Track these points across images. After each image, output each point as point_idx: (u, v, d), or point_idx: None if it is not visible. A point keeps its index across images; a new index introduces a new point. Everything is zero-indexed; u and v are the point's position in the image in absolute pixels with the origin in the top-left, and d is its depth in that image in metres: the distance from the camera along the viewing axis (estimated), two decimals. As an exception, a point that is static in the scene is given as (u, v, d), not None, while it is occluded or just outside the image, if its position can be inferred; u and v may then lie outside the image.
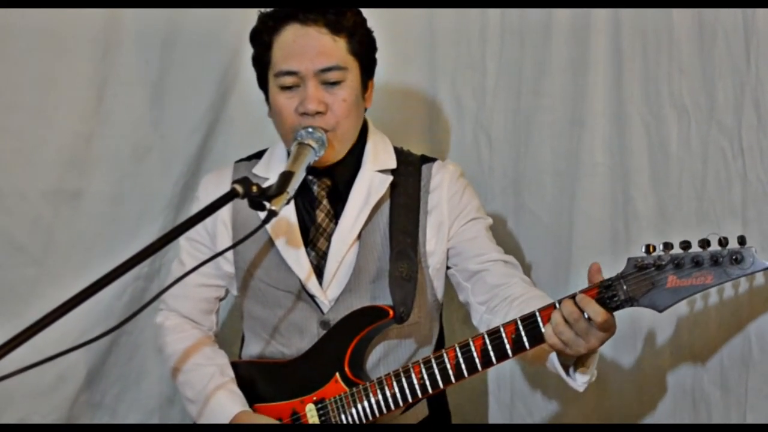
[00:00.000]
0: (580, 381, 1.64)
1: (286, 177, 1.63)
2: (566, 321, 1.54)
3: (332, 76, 1.77)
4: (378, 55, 1.90)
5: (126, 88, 2.22)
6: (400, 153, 1.93)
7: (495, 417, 2.36)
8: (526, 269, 2.24)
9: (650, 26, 1.88)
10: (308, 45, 1.76)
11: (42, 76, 2.14)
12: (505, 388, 2.31)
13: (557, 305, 1.57)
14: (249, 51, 2.25)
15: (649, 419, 2.00)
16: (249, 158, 2.00)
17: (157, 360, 2.35)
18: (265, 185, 1.61)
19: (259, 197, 1.58)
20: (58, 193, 2.18)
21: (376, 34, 1.88)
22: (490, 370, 2.36)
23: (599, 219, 2.05)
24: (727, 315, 1.78)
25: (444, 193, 1.88)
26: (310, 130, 1.75)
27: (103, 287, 1.38)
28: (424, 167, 1.91)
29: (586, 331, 1.53)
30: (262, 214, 1.58)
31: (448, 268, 1.92)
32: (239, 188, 1.56)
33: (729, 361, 1.79)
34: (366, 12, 1.88)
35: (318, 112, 1.76)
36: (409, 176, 1.89)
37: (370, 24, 1.87)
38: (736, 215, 1.75)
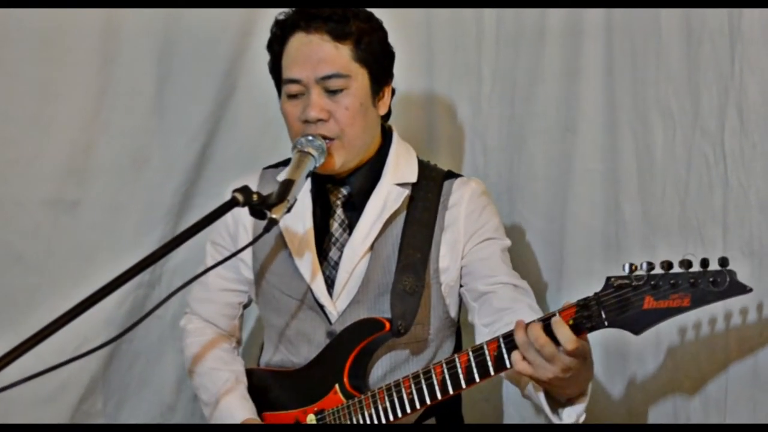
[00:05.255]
0: (566, 420, 1.60)
1: (286, 185, 1.63)
2: (533, 345, 1.49)
3: (334, 83, 1.77)
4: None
5: (124, 98, 2.22)
6: (424, 167, 1.91)
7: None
8: (521, 276, 2.23)
9: (639, 31, 1.88)
10: (310, 53, 1.76)
11: (40, 85, 2.14)
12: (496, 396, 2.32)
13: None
14: (247, 59, 2.28)
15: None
16: (276, 165, 2.00)
17: (157, 368, 2.37)
18: None
19: (259, 206, 1.59)
20: (58, 203, 2.17)
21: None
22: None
23: (591, 225, 2.04)
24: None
25: (462, 210, 1.85)
26: (310, 138, 1.75)
27: (106, 296, 1.39)
28: (446, 183, 1.89)
29: (552, 356, 1.48)
30: (264, 223, 1.58)
31: (460, 286, 1.89)
32: (239, 197, 1.56)
33: (708, 367, 1.77)
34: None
35: (320, 120, 1.76)
36: (429, 191, 1.86)
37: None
38: (717, 221, 1.73)
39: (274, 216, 1.57)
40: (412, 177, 1.88)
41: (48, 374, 1.35)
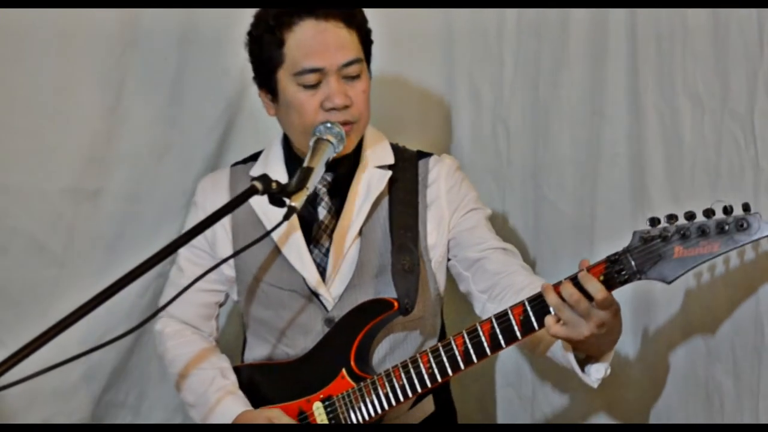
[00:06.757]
0: (594, 376, 1.63)
1: (305, 173, 1.62)
2: (566, 302, 1.52)
3: (353, 69, 1.78)
4: (396, 50, 1.92)
5: (144, 87, 2.22)
6: (396, 149, 1.94)
7: (513, 410, 2.37)
8: (547, 260, 2.23)
9: (665, 15, 1.86)
10: (329, 40, 1.76)
11: (60, 75, 2.14)
12: (526, 380, 2.31)
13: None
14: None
15: (662, 408, 1.99)
16: (245, 161, 2.01)
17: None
18: None
19: (279, 194, 1.58)
20: (78, 192, 2.17)
21: (392, 29, 1.93)
22: (499, 364, 2.36)
23: (620, 209, 2.04)
24: (738, 292, 1.74)
25: (442, 186, 1.89)
26: (329, 125, 1.75)
27: (126, 285, 1.38)
28: (421, 162, 1.92)
29: (587, 312, 1.51)
30: (283, 211, 1.57)
31: (448, 260, 1.92)
32: (259, 185, 1.55)
33: (741, 350, 1.75)
34: (381, 8, 1.91)
35: (345, 106, 1.77)
36: (406, 171, 1.90)
37: (387, 19, 1.92)
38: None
39: (293, 204, 1.57)
40: (390, 159, 1.91)
41: (70, 365, 1.36)
